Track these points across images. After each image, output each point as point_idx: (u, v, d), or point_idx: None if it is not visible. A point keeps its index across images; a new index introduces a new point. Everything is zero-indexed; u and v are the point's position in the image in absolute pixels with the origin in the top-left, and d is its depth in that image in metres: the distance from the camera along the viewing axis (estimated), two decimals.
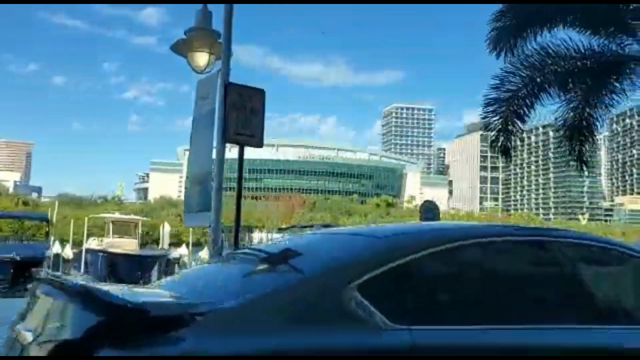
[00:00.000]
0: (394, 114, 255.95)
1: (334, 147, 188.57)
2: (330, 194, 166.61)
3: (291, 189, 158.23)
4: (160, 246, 24.96)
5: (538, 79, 11.30)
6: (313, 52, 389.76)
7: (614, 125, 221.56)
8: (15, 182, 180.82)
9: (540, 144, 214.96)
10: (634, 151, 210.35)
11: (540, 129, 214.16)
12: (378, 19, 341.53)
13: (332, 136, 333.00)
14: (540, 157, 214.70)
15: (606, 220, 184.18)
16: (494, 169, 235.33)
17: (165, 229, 23.34)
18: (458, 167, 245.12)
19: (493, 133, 12.06)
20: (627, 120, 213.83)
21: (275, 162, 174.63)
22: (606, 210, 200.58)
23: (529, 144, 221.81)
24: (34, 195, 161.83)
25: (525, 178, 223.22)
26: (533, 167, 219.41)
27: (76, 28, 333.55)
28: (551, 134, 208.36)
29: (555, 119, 12.20)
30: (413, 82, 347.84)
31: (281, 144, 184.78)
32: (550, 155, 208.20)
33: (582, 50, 11.15)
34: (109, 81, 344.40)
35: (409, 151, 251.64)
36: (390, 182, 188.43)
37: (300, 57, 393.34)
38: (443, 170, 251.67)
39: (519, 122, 11.78)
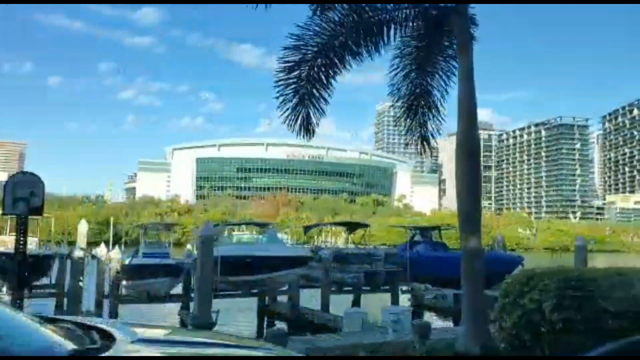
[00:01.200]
0: (386, 113, 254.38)
1: (324, 146, 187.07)
2: (321, 193, 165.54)
3: (281, 188, 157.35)
4: (77, 245, 24.04)
5: (341, 37, 9.27)
6: None
7: (607, 124, 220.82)
8: (1, 182, 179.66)
9: (533, 142, 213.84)
10: (626, 149, 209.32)
11: (533, 127, 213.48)
12: None
13: (331, 136, 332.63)
14: (533, 155, 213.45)
15: (597, 219, 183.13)
16: (487, 167, 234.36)
17: (82, 228, 22.19)
18: (450, 165, 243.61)
19: (289, 105, 9.65)
20: (620, 119, 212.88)
21: (265, 161, 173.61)
22: (598, 208, 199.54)
23: (521, 142, 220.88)
24: None
25: (518, 176, 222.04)
26: (525, 166, 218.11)
27: (72, 28, 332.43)
28: (543, 132, 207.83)
29: (391, 92, 10.54)
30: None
31: (271, 142, 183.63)
32: (543, 153, 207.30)
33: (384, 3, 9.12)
34: (105, 81, 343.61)
35: (402, 150, 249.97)
36: (381, 180, 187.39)
37: None
38: (437, 168, 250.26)
39: (322, 91, 9.65)
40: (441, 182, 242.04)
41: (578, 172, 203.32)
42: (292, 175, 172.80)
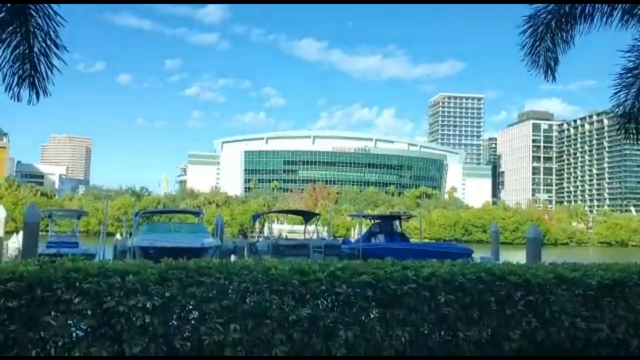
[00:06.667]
0: (440, 104, 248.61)
1: (371, 138, 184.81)
2: (367, 185, 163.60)
3: (327, 180, 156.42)
4: None
5: None
6: (372, 45, 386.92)
7: None
8: (60, 175, 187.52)
9: (595, 132, 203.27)
10: None
11: (595, 117, 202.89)
12: (438, 10, 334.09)
13: (389, 128, 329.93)
14: (595, 146, 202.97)
15: None
16: (547, 159, 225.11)
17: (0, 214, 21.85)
18: (509, 157, 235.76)
19: None
20: None
21: (311, 153, 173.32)
22: None
23: (583, 133, 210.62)
24: (81, 188, 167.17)
25: (579, 168, 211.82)
26: (587, 157, 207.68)
27: (141, 27, 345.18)
28: (606, 121, 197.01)
29: None
30: (474, 73, 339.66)
31: (318, 135, 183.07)
32: (605, 144, 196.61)
33: None
34: (172, 78, 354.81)
35: (457, 141, 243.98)
36: (431, 173, 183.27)
37: (360, 50, 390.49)
38: (495, 160, 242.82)
39: None
40: (499, 174, 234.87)
41: None
42: (338, 167, 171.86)
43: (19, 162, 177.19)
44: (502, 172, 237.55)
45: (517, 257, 29.63)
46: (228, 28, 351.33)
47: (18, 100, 8.28)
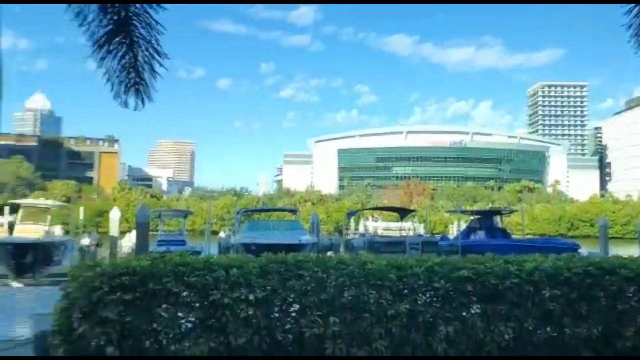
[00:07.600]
0: (540, 94, 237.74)
1: (467, 131, 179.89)
2: (465, 180, 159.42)
3: (421, 176, 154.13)
4: (110, 232, 24.88)
5: None
6: (465, 36, 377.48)
7: None
8: (168, 178, 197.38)
9: None
10: None
11: None
12: None
13: (487, 121, 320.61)
14: None
15: None
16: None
17: (114, 215, 23.21)
18: (617, 146, 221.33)
19: None
20: None
21: (404, 149, 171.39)
22: None
23: None
24: (187, 189, 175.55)
25: None
26: None
27: (237, 32, 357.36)
28: None
29: None
30: (575, 60, 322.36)
31: (411, 130, 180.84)
32: None
33: None
34: (267, 81, 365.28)
35: (560, 132, 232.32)
36: (533, 165, 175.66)
37: (452, 42, 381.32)
38: (601, 150, 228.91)
39: None
40: (605, 165, 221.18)
41: None
42: (433, 162, 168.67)
43: (129, 166, 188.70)
44: (610, 163, 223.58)
45: (630, 252, 27.79)
46: (319, 29, 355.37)
47: (126, 107, 9.01)
